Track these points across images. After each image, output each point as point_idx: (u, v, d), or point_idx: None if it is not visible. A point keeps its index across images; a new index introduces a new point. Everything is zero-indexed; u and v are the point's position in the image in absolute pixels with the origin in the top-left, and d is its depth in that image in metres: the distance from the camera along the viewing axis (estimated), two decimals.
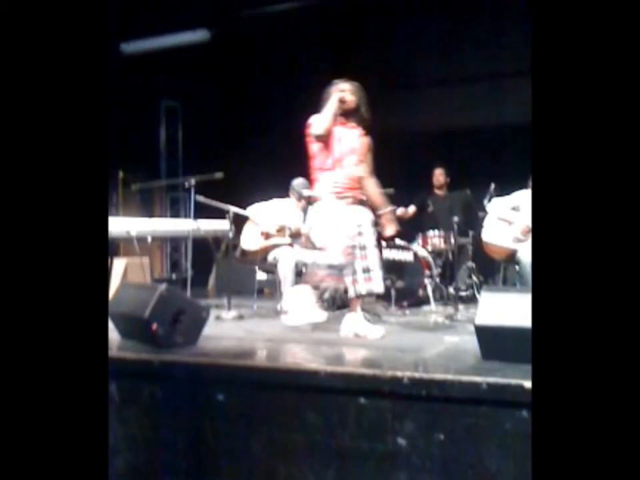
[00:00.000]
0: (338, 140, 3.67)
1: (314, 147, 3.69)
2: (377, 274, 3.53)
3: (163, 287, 3.15)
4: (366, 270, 3.51)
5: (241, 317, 4.56)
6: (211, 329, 3.43)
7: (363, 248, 3.50)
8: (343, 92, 3.68)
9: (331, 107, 3.61)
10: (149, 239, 5.78)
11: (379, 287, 3.54)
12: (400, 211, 6.06)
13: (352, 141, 3.72)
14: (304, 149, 3.78)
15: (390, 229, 3.84)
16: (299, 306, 3.78)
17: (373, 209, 3.77)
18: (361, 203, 3.70)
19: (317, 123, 3.61)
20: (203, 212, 5.14)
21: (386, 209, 3.82)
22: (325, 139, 3.62)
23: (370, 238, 3.54)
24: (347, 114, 3.71)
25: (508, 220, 4.75)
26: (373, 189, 3.81)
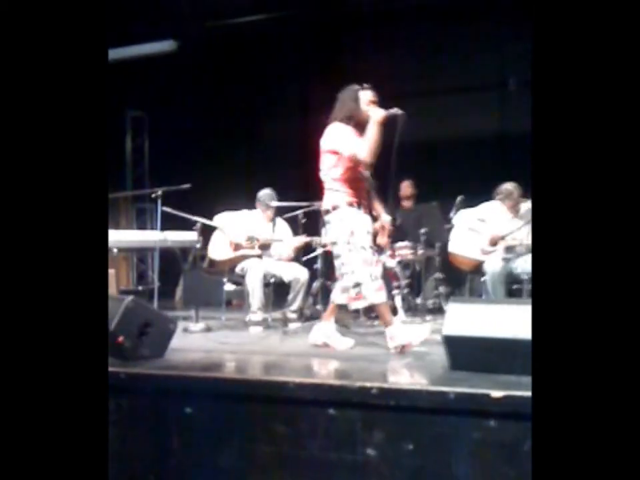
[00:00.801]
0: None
1: (333, 158, 3.53)
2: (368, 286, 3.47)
3: (129, 298, 3.11)
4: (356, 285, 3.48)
5: (208, 329, 4.52)
6: (178, 341, 3.39)
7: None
8: (374, 105, 3.49)
9: (374, 130, 3.38)
10: (115, 251, 5.71)
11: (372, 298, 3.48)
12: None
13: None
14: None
15: (382, 238, 3.87)
16: (336, 334, 3.64)
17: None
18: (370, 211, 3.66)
19: (366, 151, 3.38)
20: (169, 223, 5.10)
21: (387, 218, 3.84)
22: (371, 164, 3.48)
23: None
24: (362, 124, 3.50)
25: (475, 230, 4.81)
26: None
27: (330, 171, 3.54)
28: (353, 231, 3.46)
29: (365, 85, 3.57)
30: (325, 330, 3.61)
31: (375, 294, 3.45)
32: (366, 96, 3.54)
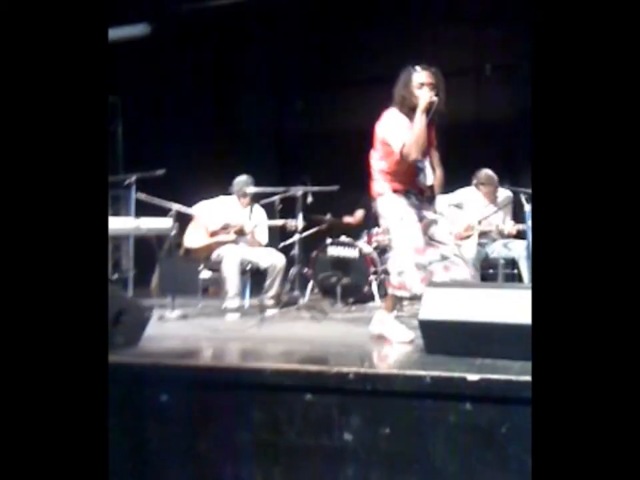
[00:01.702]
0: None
1: (383, 150, 3.35)
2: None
3: None
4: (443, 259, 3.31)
5: (185, 317, 4.49)
6: (154, 329, 3.36)
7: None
8: (425, 89, 3.22)
9: (420, 125, 3.16)
10: None
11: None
12: (346, 219, 6.11)
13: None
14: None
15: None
16: (396, 325, 3.36)
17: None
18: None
19: (413, 149, 3.18)
20: (144, 210, 5.04)
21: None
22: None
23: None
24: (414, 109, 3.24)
25: (450, 216, 4.83)
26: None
27: (379, 161, 3.38)
28: (401, 217, 3.30)
29: (421, 66, 3.29)
30: (383, 320, 3.39)
31: (419, 285, 3.21)
32: (418, 78, 3.25)
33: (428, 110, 3.19)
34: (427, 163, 3.40)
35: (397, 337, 3.27)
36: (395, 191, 3.33)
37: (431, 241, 3.35)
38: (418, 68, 3.28)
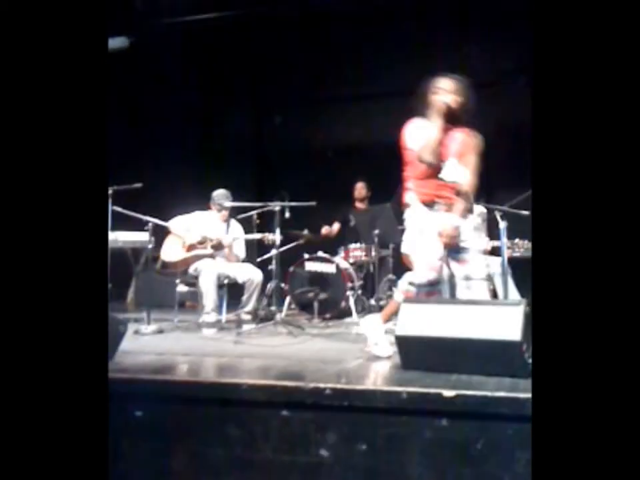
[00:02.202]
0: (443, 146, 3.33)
1: (405, 155, 3.40)
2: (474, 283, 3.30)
3: None
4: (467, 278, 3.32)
5: (161, 331, 4.46)
6: (129, 344, 3.33)
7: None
8: (440, 94, 3.29)
9: (434, 128, 3.24)
10: None
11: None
12: (325, 229, 6.13)
13: (453, 145, 3.35)
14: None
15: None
16: (382, 336, 3.32)
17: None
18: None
19: (425, 151, 3.24)
20: (120, 223, 5.00)
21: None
22: (439, 159, 3.28)
23: (468, 244, 3.34)
24: (451, 117, 3.30)
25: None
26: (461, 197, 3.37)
27: (405, 168, 3.42)
28: (421, 230, 3.32)
29: (442, 74, 3.35)
30: (375, 326, 3.37)
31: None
32: (436, 83, 3.33)
33: (443, 113, 3.25)
34: (452, 167, 3.34)
35: (376, 349, 3.26)
36: (422, 202, 3.34)
37: (458, 255, 3.33)
38: (439, 74, 3.35)
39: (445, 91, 3.29)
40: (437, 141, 3.24)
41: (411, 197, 3.39)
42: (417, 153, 3.27)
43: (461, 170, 3.32)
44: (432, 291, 3.31)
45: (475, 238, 3.40)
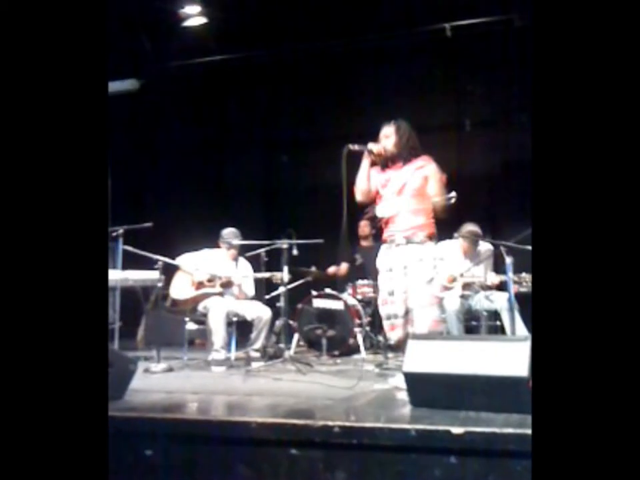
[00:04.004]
0: (383, 185, 3.64)
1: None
2: (417, 314, 3.50)
3: None
4: (392, 316, 3.57)
5: (170, 369, 4.47)
6: (139, 382, 3.35)
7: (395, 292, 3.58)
8: (381, 141, 3.63)
9: (363, 170, 3.62)
10: None
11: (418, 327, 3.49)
12: (332, 269, 6.16)
13: (401, 180, 3.58)
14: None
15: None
16: None
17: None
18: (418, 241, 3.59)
19: (357, 190, 3.63)
20: (131, 262, 5.07)
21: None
22: (372, 199, 3.64)
23: (413, 277, 3.53)
24: (391, 157, 3.62)
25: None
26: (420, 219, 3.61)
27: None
28: (378, 267, 3.67)
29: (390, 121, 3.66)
30: None
31: (390, 333, 3.61)
32: (380, 133, 3.68)
33: (384, 157, 3.60)
34: (387, 208, 3.62)
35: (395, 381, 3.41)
36: (383, 241, 3.66)
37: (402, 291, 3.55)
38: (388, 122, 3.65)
39: (384, 136, 3.63)
40: (363, 181, 3.60)
41: (378, 235, 3.77)
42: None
43: (396, 202, 3.57)
44: (392, 323, 3.58)
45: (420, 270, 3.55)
